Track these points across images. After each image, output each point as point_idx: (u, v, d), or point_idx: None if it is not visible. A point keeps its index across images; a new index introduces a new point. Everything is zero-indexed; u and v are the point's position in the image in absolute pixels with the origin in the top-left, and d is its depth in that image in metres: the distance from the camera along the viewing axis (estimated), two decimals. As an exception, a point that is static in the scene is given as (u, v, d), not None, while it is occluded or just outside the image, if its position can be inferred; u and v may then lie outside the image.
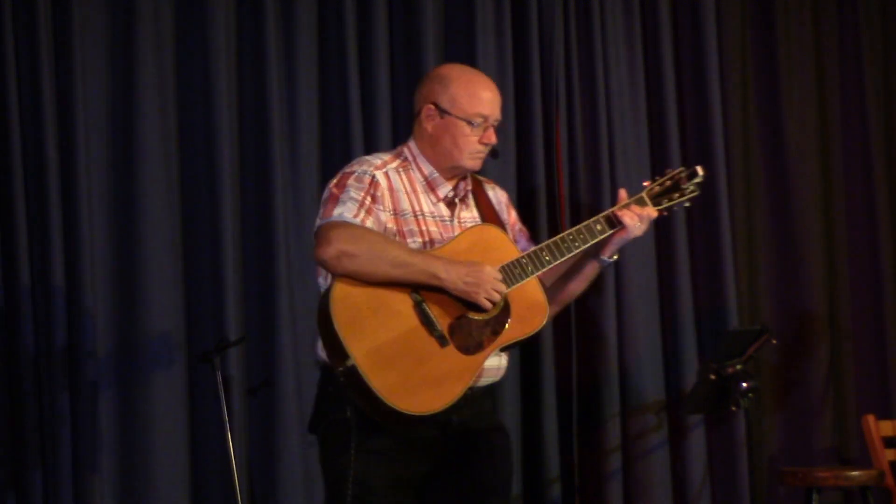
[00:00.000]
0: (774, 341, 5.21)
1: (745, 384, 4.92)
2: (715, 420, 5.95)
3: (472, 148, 3.69)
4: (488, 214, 3.77)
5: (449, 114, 3.68)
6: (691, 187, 3.80)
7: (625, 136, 5.92)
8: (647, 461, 5.84)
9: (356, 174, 3.63)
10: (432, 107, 3.70)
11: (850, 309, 6.32)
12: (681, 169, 3.80)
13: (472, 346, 3.54)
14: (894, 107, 6.43)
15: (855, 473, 5.73)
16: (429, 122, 3.71)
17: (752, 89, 6.26)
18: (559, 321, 5.74)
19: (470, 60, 5.59)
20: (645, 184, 3.77)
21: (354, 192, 3.58)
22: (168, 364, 5.14)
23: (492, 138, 3.70)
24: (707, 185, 5.98)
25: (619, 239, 3.76)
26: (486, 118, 3.69)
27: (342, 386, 3.46)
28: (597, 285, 5.77)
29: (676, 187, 3.80)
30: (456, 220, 3.70)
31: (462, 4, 5.67)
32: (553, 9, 5.81)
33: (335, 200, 3.57)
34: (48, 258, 4.97)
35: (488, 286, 3.53)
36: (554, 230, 5.72)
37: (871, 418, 5.85)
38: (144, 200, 5.15)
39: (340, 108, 5.44)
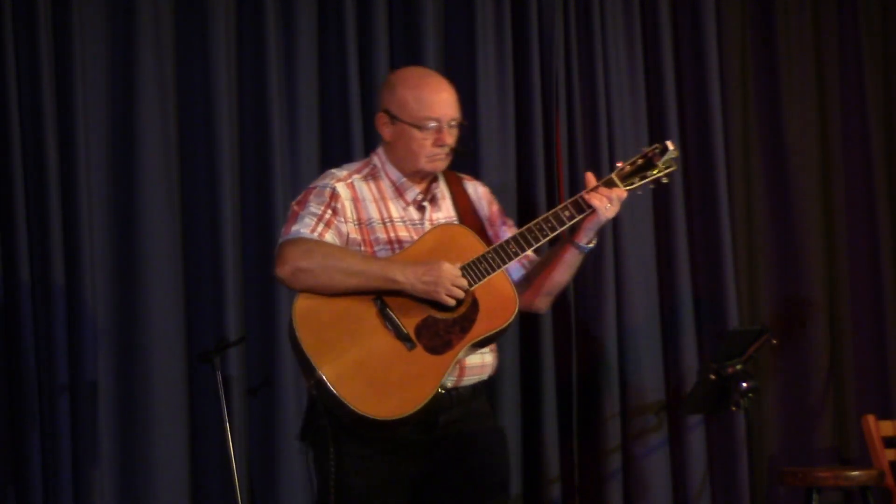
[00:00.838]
0: (774, 341, 5.21)
1: (745, 384, 4.92)
2: (715, 420, 5.95)
3: (428, 152, 3.65)
4: (464, 212, 3.74)
5: (399, 120, 3.65)
6: (667, 163, 3.72)
7: (625, 136, 5.92)
8: (647, 461, 5.84)
9: (317, 189, 3.63)
10: (384, 114, 3.68)
11: (851, 309, 6.32)
12: (655, 146, 3.74)
13: (440, 345, 3.52)
14: (894, 107, 6.43)
15: (855, 473, 5.73)
16: (383, 129, 3.69)
17: (752, 89, 6.26)
18: (560, 321, 5.74)
19: (470, 60, 5.60)
20: (618, 164, 3.71)
21: (314, 206, 3.59)
22: (168, 364, 5.14)
23: (446, 140, 3.65)
24: (707, 185, 6.03)
25: (592, 223, 3.67)
26: (437, 120, 3.65)
27: (315, 399, 3.51)
28: (597, 285, 5.81)
29: (649, 164, 3.72)
30: (427, 223, 3.68)
31: (462, 4, 5.67)
32: (553, 9, 5.80)
33: (294, 218, 3.59)
34: (48, 258, 4.97)
35: (447, 283, 3.51)
36: (554, 230, 5.71)
37: (871, 418, 5.85)
38: (144, 200, 5.16)
39: (340, 108, 5.44)
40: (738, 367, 4.98)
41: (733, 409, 5.00)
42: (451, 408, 3.58)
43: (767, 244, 6.25)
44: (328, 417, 3.51)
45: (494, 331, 3.56)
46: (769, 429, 6.17)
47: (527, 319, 5.63)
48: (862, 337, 6.32)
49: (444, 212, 3.72)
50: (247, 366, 5.26)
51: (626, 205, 5.71)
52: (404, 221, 3.67)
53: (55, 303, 4.97)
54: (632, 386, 5.85)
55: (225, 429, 4.90)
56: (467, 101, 5.58)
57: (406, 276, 3.50)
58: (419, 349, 3.50)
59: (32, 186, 5.01)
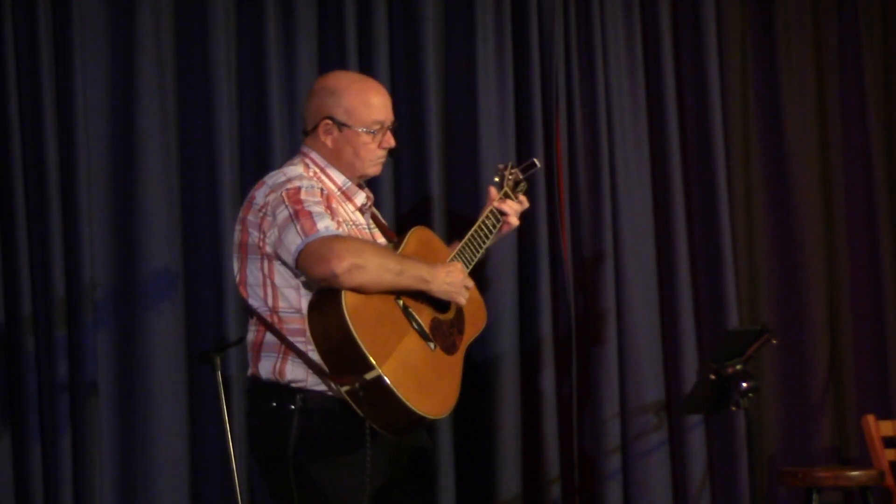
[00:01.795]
0: (774, 341, 5.20)
1: (745, 384, 4.91)
2: (715, 420, 5.95)
3: (374, 155, 3.72)
4: (376, 218, 3.84)
5: (347, 126, 3.69)
6: (527, 179, 4.08)
7: (625, 136, 5.92)
8: (647, 461, 5.84)
9: (304, 188, 3.59)
10: (329, 121, 3.69)
11: (851, 309, 6.32)
12: (510, 164, 4.07)
13: (450, 345, 3.58)
14: (894, 106, 6.43)
15: (855, 473, 5.73)
16: (327, 136, 3.71)
17: (752, 89, 6.26)
18: (559, 321, 5.74)
19: (470, 60, 5.60)
20: (497, 179, 4.00)
21: (316, 206, 3.55)
22: (168, 364, 5.13)
23: (391, 142, 3.74)
24: (707, 185, 6.04)
25: (503, 232, 3.94)
26: (382, 123, 3.70)
27: (357, 402, 3.40)
28: (597, 284, 5.80)
29: (517, 182, 4.05)
30: (370, 228, 3.73)
31: (462, 4, 5.67)
32: (553, 9, 5.80)
33: (307, 215, 3.52)
34: (48, 258, 4.97)
35: (466, 284, 3.58)
36: (554, 230, 5.72)
37: (871, 418, 5.85)
38: (144, 200, 5.15)
39: (340, 108, 5.43)
40: (738, 367, 4.97)
41: (733, 409, 4.99)
42: None
43: (767, 244, 6.25)
44: (353, 423, 3.46)
45: (479, 332, 3.66)
46: (769, 429, 6.17)
47: (527, 319, 5.63)
48: (862, 337, 6.32)
49: (367, 217, 3.79)
50: (247, 366, 5.25)
51: (625, 204, 5.86)
52: (356, 225, 3.69)
53: (55, 303, 4.96)
54: (632, 386, 5.85)
55: (225, 429, 4.88)
56: (467, 101, 5.62)
57: (433, 277, 3.54)
58: (438, 349, 3.55)
59: (32, 186, 5.00)
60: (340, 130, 3.69)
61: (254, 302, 3.65)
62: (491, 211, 3.84)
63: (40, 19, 5.00)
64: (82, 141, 5.04)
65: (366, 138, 3.68)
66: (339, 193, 3.70)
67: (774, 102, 6.27)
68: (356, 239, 3.55)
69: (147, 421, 5.09)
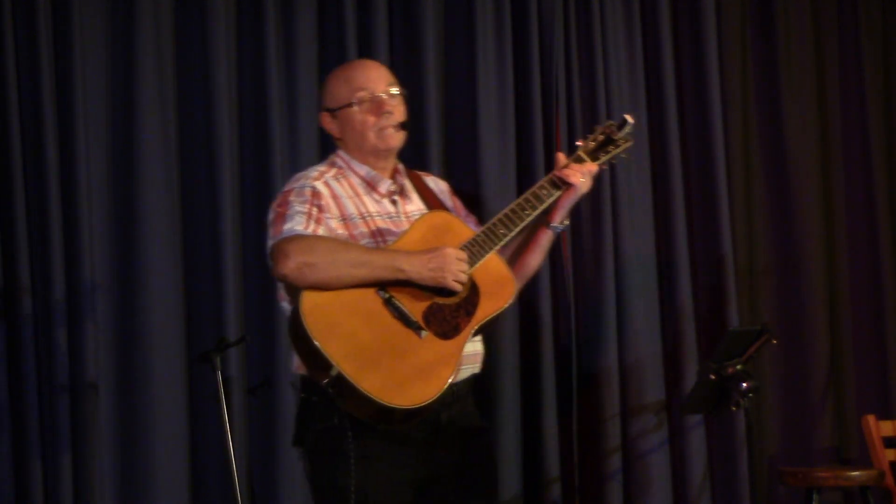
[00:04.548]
0: (774, 341, 5.20)
1: (745, 384, 4.92)
2: (715, 420, 5.95)
3: (372, 125, 3.69)
4: (434, 204, 3.77)
5: (336, 109, 3.71)
6: (624, 137, 3.82)
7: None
8: (647, 461, 5.84)
9: (296, 190, 3.61)
10: (325, 113, 3.74)
11: (850, 309, 6.32)
12: (609, 122, 3.84)
13: (450, 330, 3.53)
14: (894, 106, 6.43)
15: (855, 473, 5.73)
16: (330, 128, 3.74)
17: (752, 89, 6.26)
18: (560, 321, 5.74)
19: (470, 60, 5.60)
20: (579, 143, 3.79)
21: (299, 206, 3.57)
22: (168, 364, 5.14)
23: (383, 107, 3.68)
24: (707, 185, 6.04)
25: (567, 201, 3.73)
26: (366, 91, 3.69)
27: (331, 397, 3.45)
28: (597, 284, 5.81)
29: (609, 140, 3.81)
30: (402, 216, 3.70)
31: (462, 5, 5.67)
32: (553, 9, 5.81)
33: (282, 218, 3.55)
34: (48, 258, 4.97)
35: (453, 268, 3.52)
36: (554, 230, 5.71)
37: (871, 418, 5.84)
38: (144, 200, 5.16)
39: (340, 108, 5.44)
40: (738, 367, 4.97)
41: (733, 409, 5.00)
42: (452, 404, 3.58)
43: (767, 244, 6.25)
44: (341, 416, 3.49)
45: (498, 311, 3.59)
46: (769, 429, 6.17)
47: (527, 319, 5.63)
48: (862, 337, 6.32)
49: (415, 204, 3.75)
50: (247, 366, 5.26)
51: (625, 204, 5.86)
52: (381, 215, 3.68)
53: (55, 303, 4.97)
54: (632, 386, 5.85)
55: (225, 429, 4.89)
56: (467, 101, 5.63)
57: (412, 265, 3.50)
58: (430, 336, 3.51)
59: (32, 186, 5.01)
60: (335, 117, 3.72)
61: (284, 304, 3.67)
62: (548, 179, 3.72)
63: (40, 20, 5.00)
64: (82, 141, 5.05)
65: (354, 111, 3.68)
66: (363, 185, 3.70)
67: (774, 103, 6.27)
68: (313, 237, 3.52)
69: (147, 421, 5.09)
